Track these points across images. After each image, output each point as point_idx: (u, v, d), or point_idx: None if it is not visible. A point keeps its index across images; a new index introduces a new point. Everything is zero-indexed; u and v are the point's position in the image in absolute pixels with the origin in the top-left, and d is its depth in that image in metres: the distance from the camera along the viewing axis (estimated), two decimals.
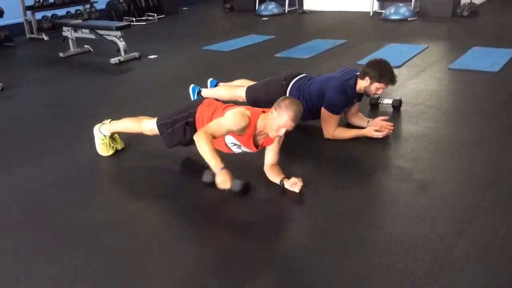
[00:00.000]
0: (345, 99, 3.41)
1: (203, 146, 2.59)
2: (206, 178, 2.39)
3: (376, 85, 3.37)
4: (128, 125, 3.28)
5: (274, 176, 2.86)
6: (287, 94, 3.53)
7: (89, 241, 2.45)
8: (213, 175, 2.37)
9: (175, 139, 3.02)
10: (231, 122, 2.65)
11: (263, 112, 2.76)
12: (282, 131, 2.65)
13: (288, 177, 2.79)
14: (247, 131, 2.72)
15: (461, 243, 2.28)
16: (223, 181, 2.49)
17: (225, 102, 3.14)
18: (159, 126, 3.06)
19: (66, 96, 5.00)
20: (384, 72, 3.34)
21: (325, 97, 3.39)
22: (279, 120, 2.60)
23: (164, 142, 3.08)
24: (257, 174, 2.88)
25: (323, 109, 3.42)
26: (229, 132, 2.72)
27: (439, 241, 2.30)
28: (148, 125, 3.15)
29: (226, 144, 2.87)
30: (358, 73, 3.44)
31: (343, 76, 3.46)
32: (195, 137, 2.63)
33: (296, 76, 3.66)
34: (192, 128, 2.95)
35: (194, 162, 3.23)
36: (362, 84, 3.40)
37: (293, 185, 2.73)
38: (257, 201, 2.72)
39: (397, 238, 2.35)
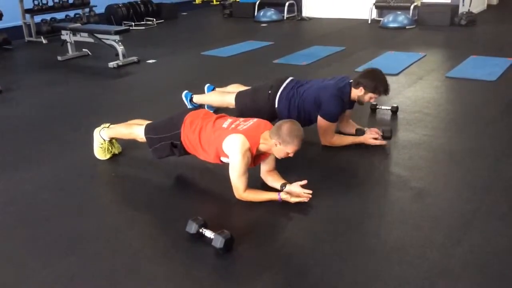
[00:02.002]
0: (341, 107, 3.41)
1: (252, 200, 2.74)
2: (189, 228, 2.39)
3: (369, 95, 3.37)
4: (121, 131, 3.28)
5: (273, 181, 2.86)
6: (276, 105, 3.51)
7: (85, 246, 2.44)
8: (197, 226, 2.38)
9: (164, 153, 3.02)
10: (244, 165, 2.65)
11: (262, 132, 2.73)
12: (291, 154, 2.72)
13: (289, 182, 2.79)
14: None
15: (457, 252, 2.28)
16: (289, 198, 2.69)
17: (216, 111, 3.10)
18: (146, 138, 3.06)
19: (64, 100, 4.99)
20: (378, 83, 3.34)
21: (321, 106, 3.38)
22: (288, 149, 2.66)
23: (153, 155, 3.07)
24: (254, 180, 2.88)
25: (320, 118, 3.40)
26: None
27: (436, 249, 2.30)
28: (138, 133, 3.13)
29: (220, 161, 2.85)
30: (351, 81, 3.44)
31: (337, 83, 3.44)
32: (241, 199, 2.75)
33: (282, 84, 3.59)
34: (180, 149, 2.95)
35: (190, 168, 3.23)
36: (356, 92, 3.40)
37: (297, 196, 2.71)
38: (254, 208, 2.71)
39: (394, 246, 2.34)
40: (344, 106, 3.44)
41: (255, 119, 2.85)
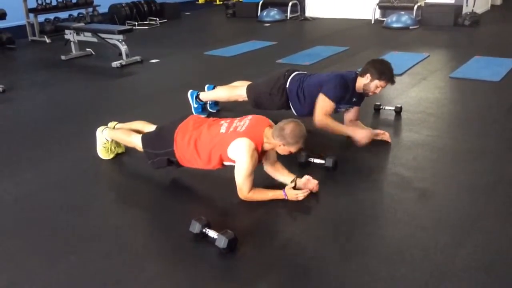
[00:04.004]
0: (344, 90, 3.40)
1: (257, 199, 2.74)
2: (192, 228, 2.39)
3: (376, 82, 3.36)
4: (121, 138, 3.25)
5: (282, 176, 2.87)
6: (287, 84, 3.62)
7: (88, 245, 2.44)
8: (200, 226, 2.38)
9: (162, 165, 2.98)
10: (252, 167, 2.64)
11: (264, 130, 2.73)
12: (293, 151, 2.75)
13: (299, 177, 2.81)
14: None
15: (461, 253, 2.27)
16: (295, 195, 2.73)
17: (217, 116, 3.08)
18: (144, 152, 3.02)
19: (67, 99, 5.00)
20: (384, 70, 3.35)
21: (324, 86, 3.42)
22: (291, 148, 2.69)
23: (151, 166, 3.03)
24: (257, 179, 2.87)
25: (320, 95, 3.41)
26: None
27: (439, 251, 2.29)
28: (136, 143, 3.09)
29: (223, 165, 2.82)
30: (358, 72, 3.48)
31: (343, 72, 3.54)
32: (245, 199, 2.73)
33: (298, 71, 3.76)
34: (177, 164, 2.93)
35: (193, 169, 3.22)
36: (362, 81, 3.40)
37: (306, 185, 2.77)
38: (258, 208, 2.71)
39: (397, 247, 2.34)
40: (348, 91, 3.41)
41: (250, 116, 2.81)
